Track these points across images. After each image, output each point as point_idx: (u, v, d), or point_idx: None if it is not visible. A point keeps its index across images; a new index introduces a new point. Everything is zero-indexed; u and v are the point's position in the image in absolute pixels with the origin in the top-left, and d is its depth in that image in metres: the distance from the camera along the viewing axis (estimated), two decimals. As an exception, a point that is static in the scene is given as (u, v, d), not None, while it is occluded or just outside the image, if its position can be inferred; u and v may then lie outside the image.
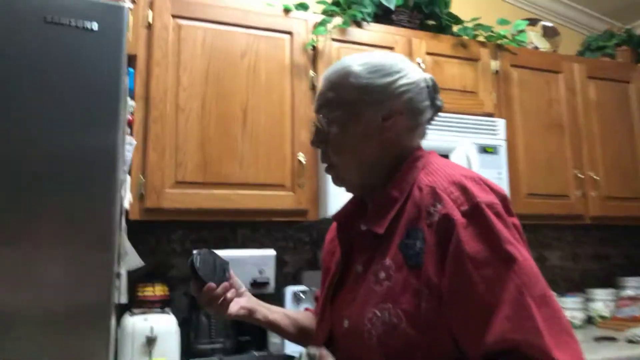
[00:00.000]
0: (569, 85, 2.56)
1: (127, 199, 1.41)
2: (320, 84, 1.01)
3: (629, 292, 2.52)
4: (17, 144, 1.05)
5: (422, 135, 1.01)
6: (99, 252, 1.11)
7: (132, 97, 1.59)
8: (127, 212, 1.52)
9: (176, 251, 2.16)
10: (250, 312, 1.08)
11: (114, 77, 1.18)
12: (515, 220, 0.85)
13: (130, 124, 1.45)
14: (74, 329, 1.04)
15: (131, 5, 1.41)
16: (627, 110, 2.69)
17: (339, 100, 0.96)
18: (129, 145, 1.44)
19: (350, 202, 1.08)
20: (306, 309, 1.43)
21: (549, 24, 2.82)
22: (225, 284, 1.03)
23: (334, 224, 1.15)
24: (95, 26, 1.13)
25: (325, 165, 1.01)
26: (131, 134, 1.51)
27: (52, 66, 1.13)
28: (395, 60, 0.99)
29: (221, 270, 1.04)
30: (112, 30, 1.18)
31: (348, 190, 1.03)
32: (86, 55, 1.15)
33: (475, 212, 0.82)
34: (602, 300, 2.49)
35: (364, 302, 0.89)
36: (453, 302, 0.79)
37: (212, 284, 1.00)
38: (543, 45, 2.71)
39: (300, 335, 1.17)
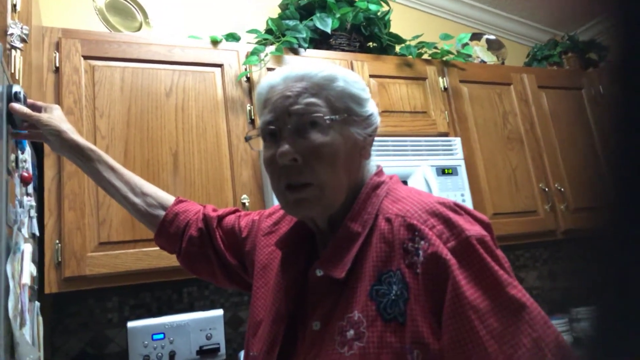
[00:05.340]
0: (521, 96, 2.47)
1: (29, 272, 1.16)
2: (284, 84, 0.79)
3: (613, 307, 2.36)
4: None
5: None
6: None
7: (29, 149, 1.35)
8: (33, 287, 1.26)
9: (113, 322, 1.88)
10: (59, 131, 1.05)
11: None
12: (501, 253, 0.70)
13: (27, 180, 1.21)
14: None
15: (20, 44, 1.19)
16: (584, 117, 2.61)
17: (329, 105, 0.77)
18: (26, 208, 1.20)
19: (294, 229, 0.87)
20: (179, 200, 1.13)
21: (493, 37, 2.75)
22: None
23: (275, 208, 1.00)
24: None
25: (289, 187, 0.77)
26: (30, 194, 1.27)
27: None
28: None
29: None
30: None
31: (317, 218, 0.81)
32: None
33: (466, 250, 0.66)
34: (588, 319, 2.31)
35: None
36: None
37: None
38: (489, 58, 2.63)
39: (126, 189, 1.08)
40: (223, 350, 1.63)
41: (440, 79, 2.28)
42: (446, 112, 2.24)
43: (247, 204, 1.77)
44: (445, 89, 2.28)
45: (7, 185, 1.01)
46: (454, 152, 2.11)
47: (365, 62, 2.13)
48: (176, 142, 1.75)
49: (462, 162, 2.11)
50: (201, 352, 1.59)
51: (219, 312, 1.68)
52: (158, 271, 1.62)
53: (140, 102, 1.75)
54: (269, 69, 1.95)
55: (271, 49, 1.98)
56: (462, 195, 2.05)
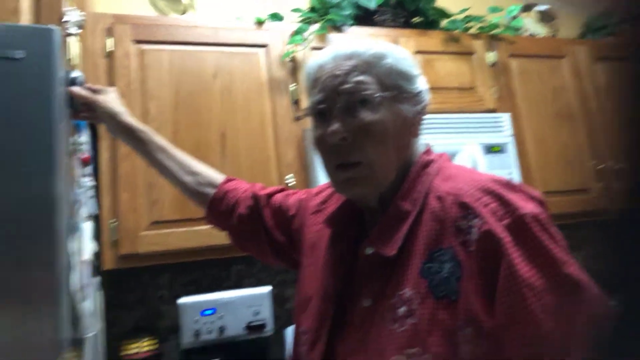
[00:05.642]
0: (574, 70, 2.36)
1: (89, 249, 1.22)
2: (333, 63, 0.79)
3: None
4: None
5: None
6: (36, 320, 0.91)
7: (87, 132, 1.40)
8: (94, 263, 1.33)
9: (164, 298, 1.96)
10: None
11: (44, 112, 0.99)
12: (557, 230, 0.68)
13: (85, 162, 1.26)
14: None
15: (76, 30, 1.24)
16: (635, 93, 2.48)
17: (379, 83, 0.77)
18: (85, 189, 1.25)
19: (342, 207, 0.88)
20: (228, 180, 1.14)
21: (544, 8, 2.63)
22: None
23: (322, 187, 1.01)
24: (19, 54, 0.95)
25: (339, 166, 0.78)
26: (90, 175, 1.33)
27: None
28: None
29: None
30: (40, 58, 1.00)
31: (367, 197, 0.81)
32: (10, 88, 0.97)
33: (520, 228, 0.65)
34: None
35: (380, 347, 0.70)
36: (513, 345, 0.63)
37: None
38: (541, 31, 2.52)
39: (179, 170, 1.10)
40: (270, 326, 1.68)
41: (488, 54, 2.21)
42: (494, 87, 2.18)
43: (291, 183, 1.79)
44: (494, 64, 2.21)
45: (68, 167, 1.06)
46: (502, 129, 2.05)
47: (411, 38, 2.09)
48: (223, 123, 1.78)
49: (510, 139, 2.05)
50: (249, 327, 1.64)
51: (267, 289, 1.72)
52: (207, 249, 1.67)
53: (188, 85, 1.78)
54: (313, 49, 1.94)
55: (315, 27, 1.97)
56: (510, 173, 2.00)
